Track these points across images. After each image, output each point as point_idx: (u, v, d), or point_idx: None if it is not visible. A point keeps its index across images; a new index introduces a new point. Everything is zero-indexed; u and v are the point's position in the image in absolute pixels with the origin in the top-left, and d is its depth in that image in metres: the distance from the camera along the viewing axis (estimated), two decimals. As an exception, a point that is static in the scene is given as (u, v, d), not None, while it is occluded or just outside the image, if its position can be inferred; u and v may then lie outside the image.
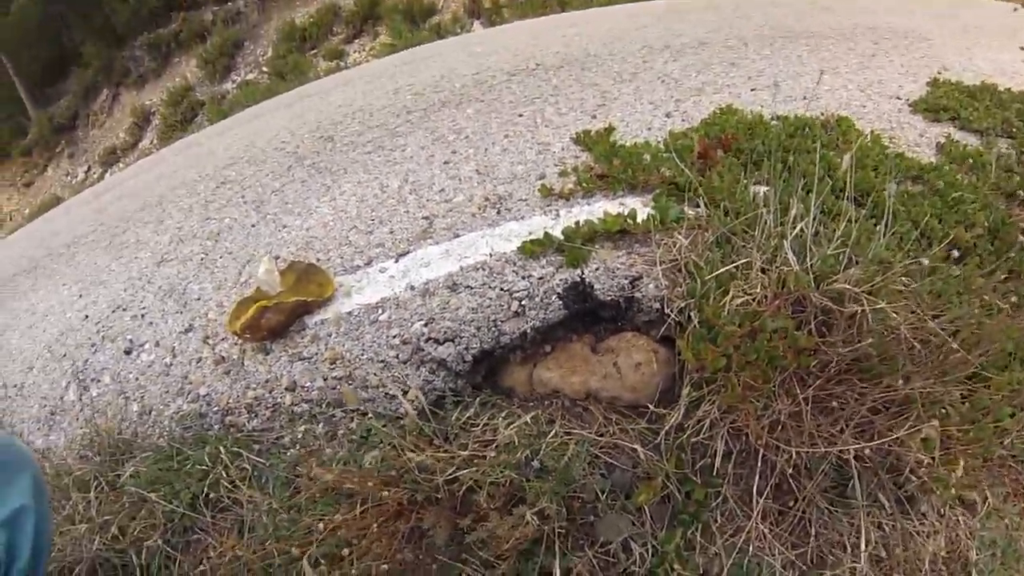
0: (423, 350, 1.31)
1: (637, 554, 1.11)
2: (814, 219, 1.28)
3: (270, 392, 1.52)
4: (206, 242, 3.01)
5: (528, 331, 1.24)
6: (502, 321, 1.24)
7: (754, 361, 1.08)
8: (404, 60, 7.74)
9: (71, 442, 1.84)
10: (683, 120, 2.54)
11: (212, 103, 14.35)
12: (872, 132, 2.08)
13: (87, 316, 2.78)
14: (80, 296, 3.22)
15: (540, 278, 1.31)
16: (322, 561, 1.06)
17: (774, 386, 1.12)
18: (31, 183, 16.61)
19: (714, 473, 1.15)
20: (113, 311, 2.65)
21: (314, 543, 1.07)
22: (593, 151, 2.20)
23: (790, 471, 1.13)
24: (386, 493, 1.05)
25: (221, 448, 1.43)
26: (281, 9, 15.53)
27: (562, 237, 1.46)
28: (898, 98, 2.81)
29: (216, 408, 1.59)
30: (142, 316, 2.40)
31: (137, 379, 1.95)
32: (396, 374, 1.33)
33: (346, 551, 1.03)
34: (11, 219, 15.15)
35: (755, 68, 3.46)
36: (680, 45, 4.32)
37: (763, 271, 1.26)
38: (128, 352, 2.15)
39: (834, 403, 1.18)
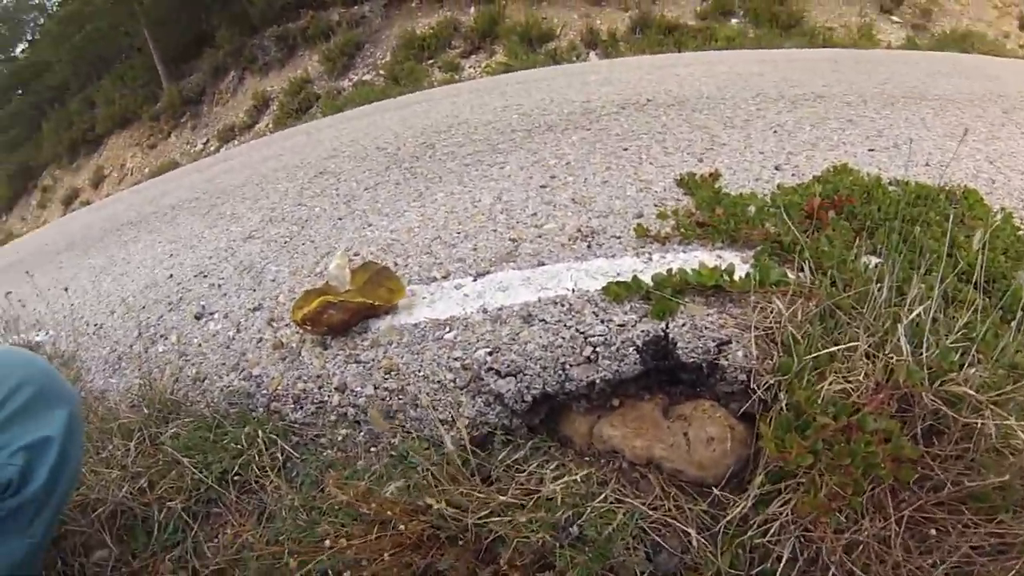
0: (483, 379, 1.23)
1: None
2: (935, 304, 1.12)
3: (319, 388, 1.48)
4: (293, 227, 3.07)
5: (597, 381, 1.12)
6: (571, 365, 1.13)
7: (846, 466, 0.93)
8: (517, 80, 7.85)
9: (127, 390, 1.88)
10: (793, 175, 2.38)
11: (327, 97, 15.02)
12: (1003, 209, 1.86)
13: (171, 275, 2.88)
14: (171, 256, 3.36)
15: (620, 325, 1.20)
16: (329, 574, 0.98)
17: (863, 499, 0.96)
18: (155, 146, 17.88)
19: None
20: (195, 275, 2.73)
21: (323, 553, 0.99)
22: (696, 196, 2.08)
23: None
24: (406, 524, 0.96)
25: (260, 431, 1.40)
26: (403, 18, 16.14)
27: (651, 284, 1.34)
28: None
29: (264, 391, 1.57)
30: (219, 286, 2.45)
31: (200, 345, 1.97)
32: (451, 399, 1.25)
33: (347, 574, 0.95)
34: (131, 175, 16.31)
35: (874, 128, 3.24)
36: (795, 96, 4.14)
37: (869, 356, 1.11)
38: (198, 318, 2.18)
39: (932, 530, 1.01)
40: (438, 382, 1.30)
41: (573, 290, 1.42)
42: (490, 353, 1.26)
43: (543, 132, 3.79)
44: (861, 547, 0.98)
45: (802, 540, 1.00)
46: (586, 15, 14.32)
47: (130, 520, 1.46)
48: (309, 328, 1.63)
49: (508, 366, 1.20)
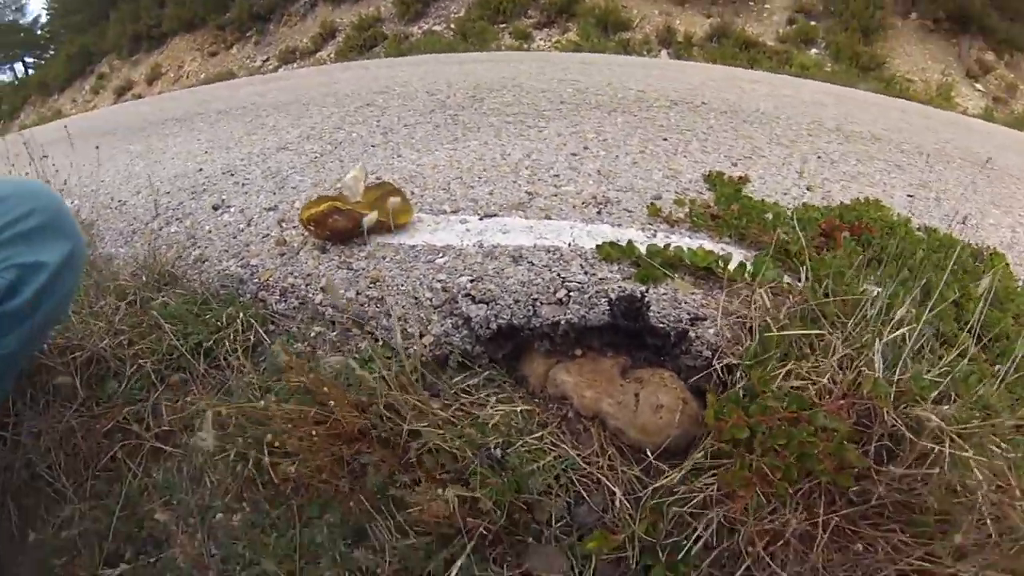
0: (457, 303, 1.25)
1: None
2: (921, 333, 1.12)
3: (306, 286, 1.51)
4: (327, 145, 3.12)
5: (562, 322, 1.12)
6: (543, 303, 1.14)
7: (780, 448, 0.92)
8: (581, 60, 7.77)
9: (134, 258, 1.94)
10: (823, 198, 2.35)
11: (394, 40, 14.99)
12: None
13: (201, 169, 2.94)
14: (206, 152, 3.43)
15: (601, 279, 1.21)
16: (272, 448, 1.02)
17: (793, 492, 0.95)
18: (215, 54, 18.01)
19: (685, 560, 0.97)
20: (223, 173, 2.78)
21: (270, 432, 1.03)
22: (718, 192, 2.07)
23: None
24: (345, 416, 0.99)
25: (241, 313, 1.45)
26: (486, -24, 15.94)
27: (644, 252, 1.35)
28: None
29: (256, 280, 1.61)
30: (243, 185, 2.50)
31: (209, 232, 2.03)
32: (423, 315, 1.28)
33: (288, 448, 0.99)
34: (187, 78, 16.49)
35: (921, 178, 3.18)
36: (851, 132, 4.06)
37: (841, 367, 1.11)
38: (216, 208, 2.24)
39: (859, 545, 1.01)
40: (415, 298, 1.33)
41: (569, 244, 1.43)
42: (472, 281, 1.28)
43: (591, 109, 3.76)
44: (781, 542, 0.98)
45: (723, 522, 0.99)
46: (667, 12, 14.09)
47: (103, 370, 1.52)
48: (312, 229, 1.66)
49: (484, 294, 1.22)
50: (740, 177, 2.25)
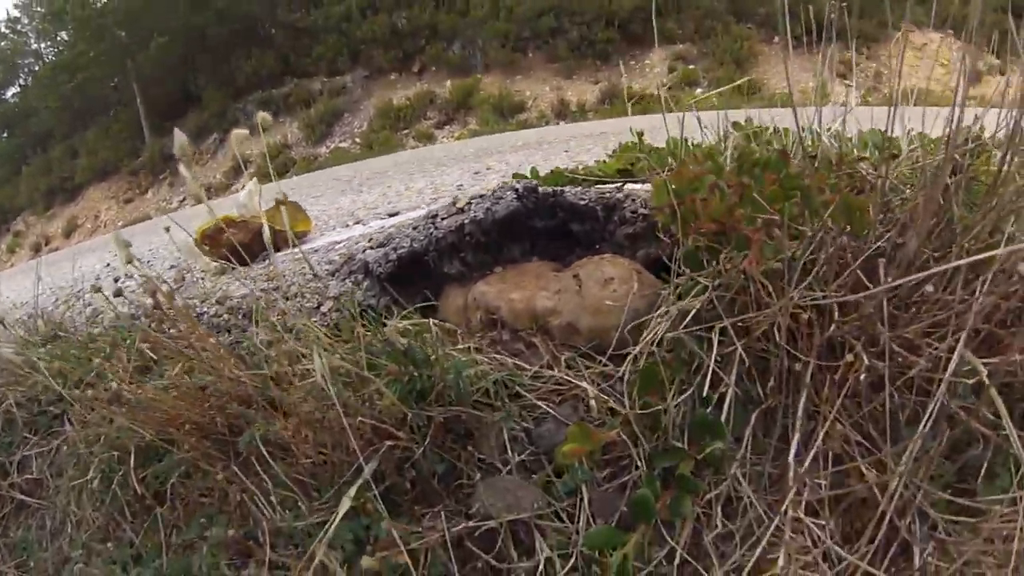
0: (354, 259, 1.11)
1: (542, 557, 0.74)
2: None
3: (201, 302, 1.35)
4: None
5: (466, 224, 0.97)
6: (442, 219, 1.00)
7: (769, 175, 0.71)
8: (482, 138, 8.04)
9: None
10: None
11: (303, 162, 15.20)
12: None
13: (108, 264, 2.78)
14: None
15: (501, 184, 1.09)
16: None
17: (790, 207, 0.73)
18: (131, 200, 17.82)
19: (716, 428, 0.74)
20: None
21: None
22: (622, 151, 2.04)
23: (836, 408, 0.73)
24: (228, 384, 0.82)
25: (126, 341, 1.26)
26: (383, 89, 16.63)
27: (550, 172, 1.26)
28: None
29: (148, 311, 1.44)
30: (147, 263, 2.35)
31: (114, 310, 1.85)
32: (320, 286, 1.12)
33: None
34: (104, 227, 16.13)
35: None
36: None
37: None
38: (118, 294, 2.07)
39: (928, 287, 0.73)
40: (313, 275, 1.18)
41: (460, 187, 1.33)
42: (369, 240, 1.15)
43: (492, 154, 3.81)
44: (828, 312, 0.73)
45: (746, 343, 0.74)
46: (557, 87, 14.88)
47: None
48: (208, 247, 1.50)
49: (382, 240, 1.06)
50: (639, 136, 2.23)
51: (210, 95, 18.58)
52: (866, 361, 0.71)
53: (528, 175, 1.24)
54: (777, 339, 0.75)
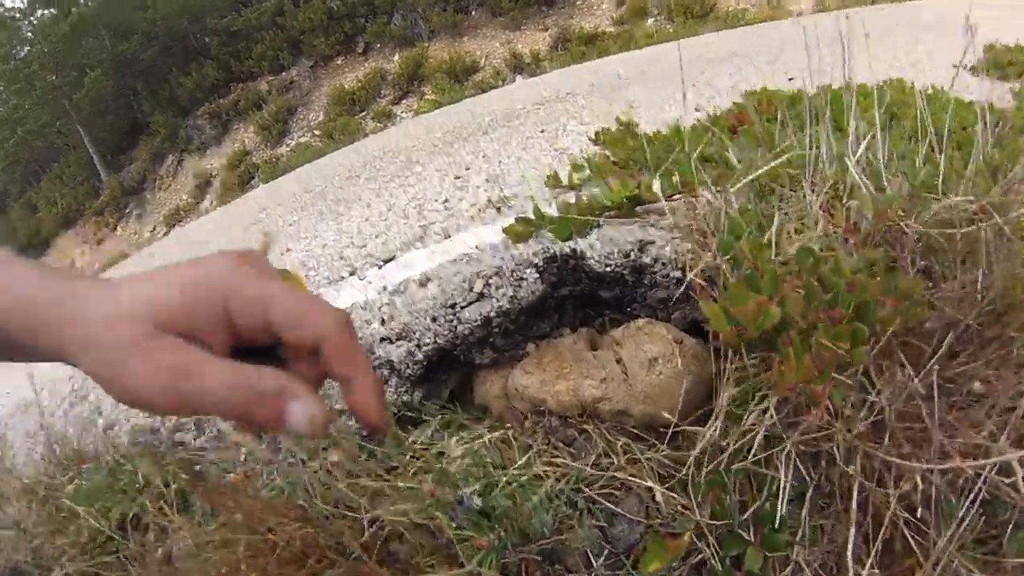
0: (375, 352, 1.02)
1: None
2: (884, 145, 0.96)
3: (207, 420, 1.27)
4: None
5: (493, 316, 0.89)
6: (461, 307, 0.91)
7: (830, 311, 0.67)
8: (442, 112, 7.81)
9: (31, 450, 1.67)
10: (711, 112, 2.26)
11: (266, 165, 14.88)
12: (933, 86, 1.74)
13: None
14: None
15: (518, 255, 1.00)
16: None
17: (866, 350, 0.70)
18: (102, 240, 17.51)
19: (776, 524, 0.74)
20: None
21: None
22: (610, 143, 1.92)
23: (892, 509, 0.74)
24: (276, 532, 0.73)
25: (156, 467, 1.19)
26: (331, 76, 16.17)
27: (556, 213, 1.16)
28: (953, 66, 2.48)
29: (168, 422, 1.36)
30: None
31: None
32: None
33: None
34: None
35: (794, 64, 3.18)
36: (712, 57, 4.09)
37: (824, 213, 0.93)
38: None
39: (976, 384, 0.75)
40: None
41: (476, 246, 1.23)
42: (382, 323, 1.06)
43: (463, 141, 3.65)
44: (888, 434, 0.76)
45: (804, 450, 0.76)
46: (507, 41, 14.47)
47: (30, 585, 1.24)
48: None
49: (400, 330, 0.99)
50: (626, 124, 2.12)
51: (157, 119, 18.04)
52: (920, 483, 0.71)
53: (533, 216, 1.13)
54: (837, 460, 0.74)
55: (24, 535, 1.27)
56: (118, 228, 17.75)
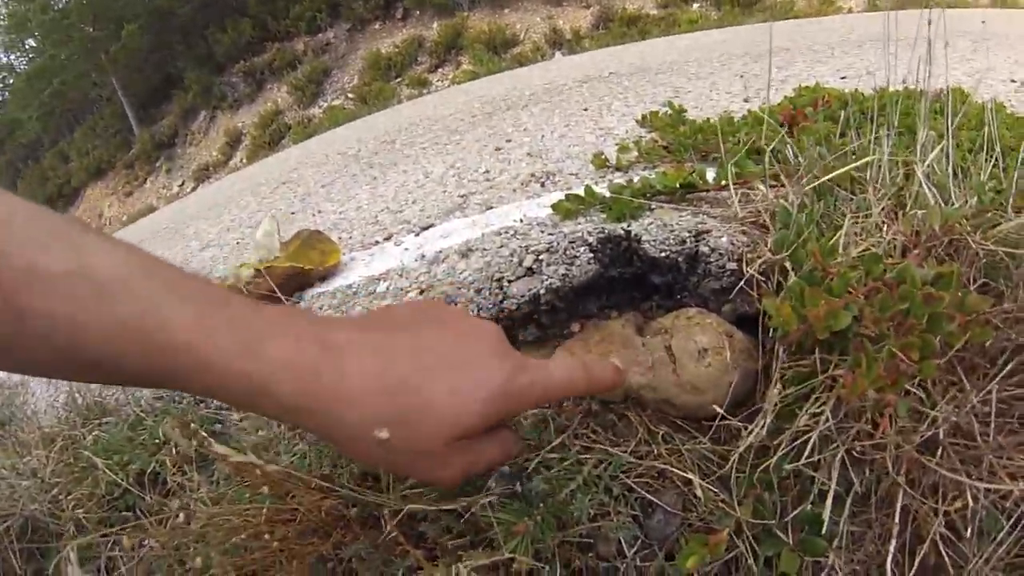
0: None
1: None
2: (948, 156, 0.92)
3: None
4: (246, 229, 2.91)
5: (542, 293, 0.86)
6: (509, 281, 0.89)
7: (903, 322, 0.65)
8: (481, 82, 7.73)
9: (63, 403, 1.69)
10: (761, 105, 2.20)
11: (298, 126, 14.92)
12: (994, 100, 1.67)
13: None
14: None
15: (571, 233, 0.98)
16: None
17: (937, 364, 0.68)
18: (131, 193, 17.74)
19: (818, 528, 0.71)
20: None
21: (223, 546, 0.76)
22: (659, 128, 1.88)
23: (939, 523, 0.72)
24: (311, 499, 0.72)
25: (176, 425, 1.18)
26: (368, 40, 16.12)
27: (608, 194, 1.13)
28: (1012, 80, 2.38)
29: (189, 381, 1.35)
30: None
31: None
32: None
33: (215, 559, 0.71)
34: (109, 224, 16.13)
35: (844, 63, 3.09)
36: (759, 52, 3.99)
37: (883, 224, 0.90)
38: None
39: None
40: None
41: (521, 220, 1.21)
42: (421, 292, 1.04)
43: (503, 112, 3.60)
44: (940, 449, 0.74)
45: (853, 456, 0.73)
46: (548, 17, 14.29)
47: (42, 536, 1.25)
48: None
49: (442, 299, 0.98)
50: (676, 109, 2.06)
51: (192, 75, 18.14)
52: (971, 502, 0.70)
53: (584, 194, 1.11)
54: (889, 469, 0.71)
55: (42, 484, 1.28)
56: (147, 181, 17.97)
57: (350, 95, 15.16)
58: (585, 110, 2.81)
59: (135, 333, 0.40)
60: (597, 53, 7.30)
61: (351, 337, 0.50)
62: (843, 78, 2.64)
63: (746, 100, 2.34)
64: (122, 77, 18.10)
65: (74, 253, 0.40)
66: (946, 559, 0.75)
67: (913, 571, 0.74)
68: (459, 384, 0.50)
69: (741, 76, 3.06)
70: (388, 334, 0.52)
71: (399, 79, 14.86)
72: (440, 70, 14.84)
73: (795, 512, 0.73)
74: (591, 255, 0.85)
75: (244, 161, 14.34)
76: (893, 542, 0.74)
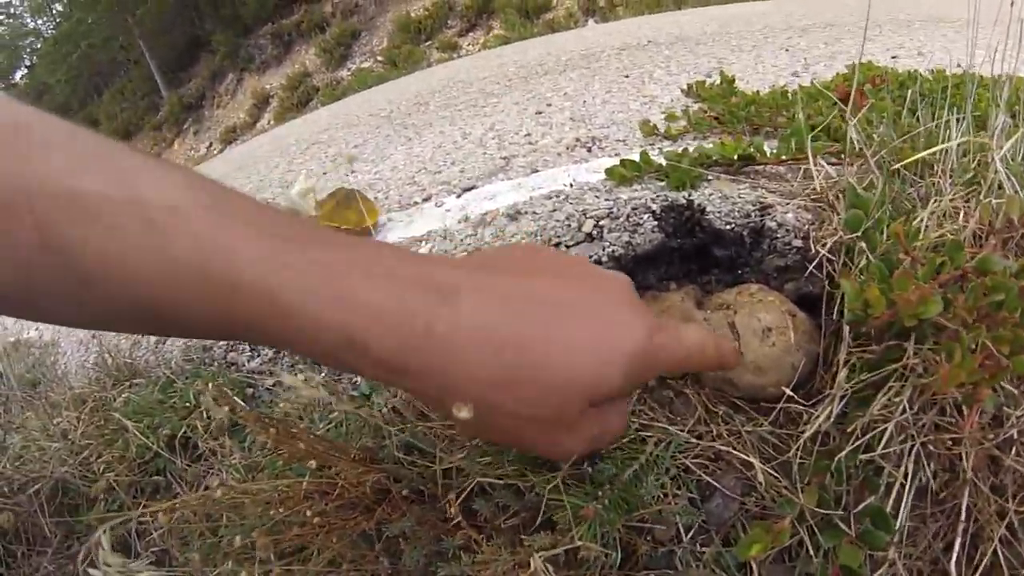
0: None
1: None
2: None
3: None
4: (276, 190, 2.89)
5: (604, 262, 0.83)
6: (568, 246, 0.86)
7: (995, 314, 0.60)
8: (513, 47, 7.59)
9: (93, 364, 1.69)
10: (813, 80, 2.11)
11: (327, 88, 14.84)
12: None
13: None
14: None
15: (630, 199, 0.94)
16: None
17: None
18: (159, 155, 17.80)
19: (887, 523, 0.68)
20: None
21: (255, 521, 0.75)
22: (706, 98, 1.81)
23: (1008, 519, 0.68)
24: (353, 472, 0.70)
25: (209, 386, 1.17)
26: (397, 2, 15.90)
27: (664, 162, 1.09)
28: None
29: (222, 341, 1.34)
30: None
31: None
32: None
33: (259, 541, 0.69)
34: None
35: (894, 42, 2.96)
36: (805, 26, 3.85)
37: (956, 211, 0.85)
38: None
39: None
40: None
41: (571, 184, 1.17)
42: (465, 253, 1.01)
43: (539, 76, 3.51)
44: (1012, 446, 0.70)
45: (934, 448, 0.70)
46: (583, -19, 13.93)
47: (73, 498, 1.26)
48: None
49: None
50: (725, 79, 1.99)
51: (219, 37, 18.08)
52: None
53: (639, 160, 1.06)
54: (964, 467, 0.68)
55: (72, 447, 1.28)
56: (175, 143, 18.10)
57: (379, 58, 15.02)
58: (626, 77, 2.73)
59: (195, 273, 0.34)
60: (632, 21, 7.12)
61: (466, 281, 0.42)
62: (894, 57, 2.53)
63: (795, 74, 2.25)
64: (149, 39, 18.13)
65: (123, 178, 0.33)
66: (1001, 559, 0.72)
67: (975, 571, 0.71)
68: (599, 341, 0.43)
69: (787, 50, 2.95)
70: (510, 278, 0.44)
71: (429, 43, 14.67)
72: (471, 34, 14.61)
73: (862, 505, 0.69)
74: (655, 223, 0.81)
75: (272, 123, 14.34)
76: (958, 540, 0.71)
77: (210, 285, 0.34)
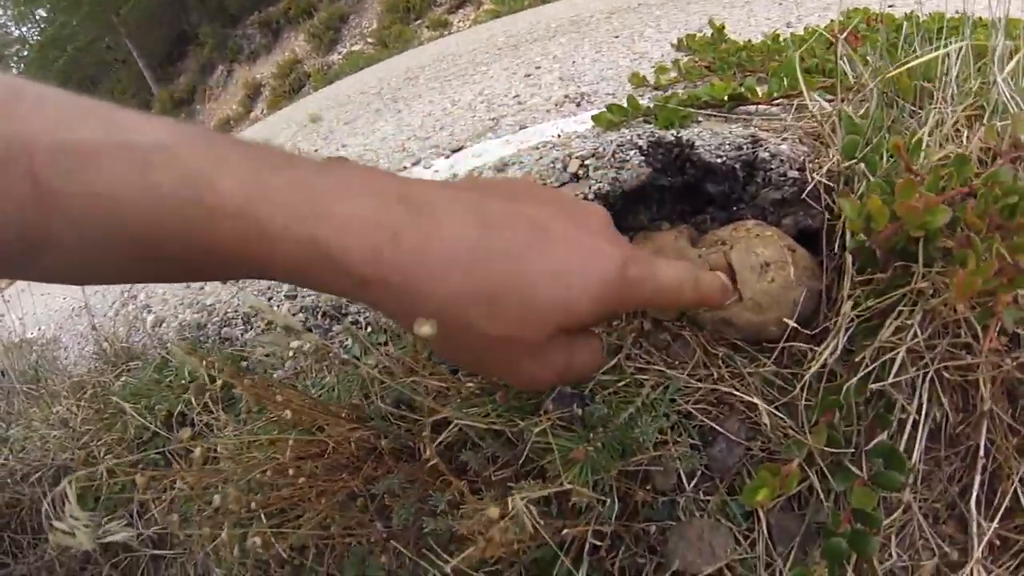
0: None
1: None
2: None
3: (268, 300, 1.23)
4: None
5: (590, 197, 0.81)
6: (554, 187, 0.83)
7: (1008, 222, 0.56)
8: (503, 19, 7.49)
9: (83, 349, 1.69)
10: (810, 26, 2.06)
11: (318, 73, 14.71)
12: None
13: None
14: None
15: (616, 138, 0.90)
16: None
17: None
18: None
19: (900, 463, 0.64)
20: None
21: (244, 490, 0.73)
22: (696, 49, 1.76)
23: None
24: (340, 430, 0.67)
25: (203, 362, 1.16)
26: (386, -18, 15.62)
27: (651, 104, 1.05)
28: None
29: (216, 318, 1.33)
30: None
31: (163, 294, 1.75)
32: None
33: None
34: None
35: (888, -11, 2.88)
36: (799, -25, 3.75)
37: (958, 134, 0.81)
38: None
39: None
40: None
41: (558, 135, 1.13)
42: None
43: (529, 44, 3.46)
44: None
45: (949, 373, 0.65)
46: (572, -50, 13.70)
47: (75, 483, 1.25)
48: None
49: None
50: (716, 29, 1.93)
51: (206, 29, 17.88)
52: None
53: (627, 105, 1.03)
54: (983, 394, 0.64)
55: (72, 433, 1.28)
56: (169, 137, 18.01)
57: (369, 39, 14.85)
58: (616, 37, 2.68)
59: (177, 200, 0.34)
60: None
61: (442, 195, 0.41)
62: (890, 6, 2.46)
63: (788, 24, 2.20)
64: (135, 38, 17.96)
65: (112, 126, 0.35)
66: (1022, 500, 0.69)
67: (995, 513, 0.68)
68: (572, 264, 0.42)
69: (780, 3, 2.88)
70: (486, 196, 0.44)
71: (419, 21, 14.48)
72: (461, 11, 14.41)
73: (873, 442, 0.66)
74: (642, 158, 0.78)
75: (265, 112, 14.24)
76: (977, 477, 0.68)
77: (192, 212, 0.35)
